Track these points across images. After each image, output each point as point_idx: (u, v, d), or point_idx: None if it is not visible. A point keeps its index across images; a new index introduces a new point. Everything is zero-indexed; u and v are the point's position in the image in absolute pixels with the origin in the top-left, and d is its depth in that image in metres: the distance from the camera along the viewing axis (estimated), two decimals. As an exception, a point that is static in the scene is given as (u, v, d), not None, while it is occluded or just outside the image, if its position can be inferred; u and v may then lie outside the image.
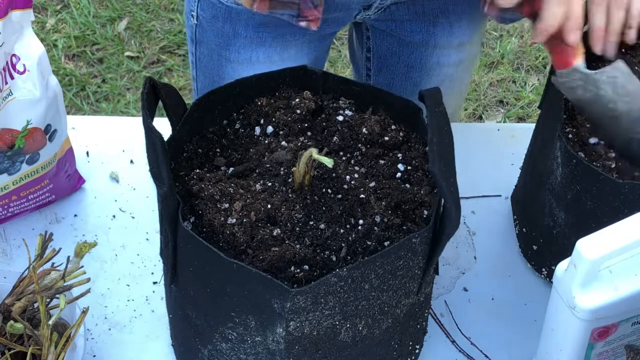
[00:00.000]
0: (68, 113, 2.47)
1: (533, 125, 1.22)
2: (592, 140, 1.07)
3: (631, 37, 1.10)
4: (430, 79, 1.41)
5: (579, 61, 1.07)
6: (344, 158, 1.03)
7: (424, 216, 0.96)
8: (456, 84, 1.47)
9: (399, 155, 1.03)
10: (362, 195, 0.98)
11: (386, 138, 1.04)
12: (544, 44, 1.09)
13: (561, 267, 0.96)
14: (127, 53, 2.68)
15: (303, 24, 1.22)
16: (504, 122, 2.55)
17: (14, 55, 1.10)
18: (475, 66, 1.47)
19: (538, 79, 2.67)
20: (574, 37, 1.05)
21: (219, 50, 1.34)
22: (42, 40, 2.65)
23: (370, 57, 1.43)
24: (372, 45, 1.41)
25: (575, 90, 1.08)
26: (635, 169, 1.05)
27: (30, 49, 1.11)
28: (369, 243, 0.94)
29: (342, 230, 0.94)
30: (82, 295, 1.01)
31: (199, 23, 1.33)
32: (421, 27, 1.35)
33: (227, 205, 0.95)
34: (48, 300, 0.99)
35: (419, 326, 1.05)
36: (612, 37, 1.09)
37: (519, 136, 1.34)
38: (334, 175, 0.99)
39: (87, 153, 1.31)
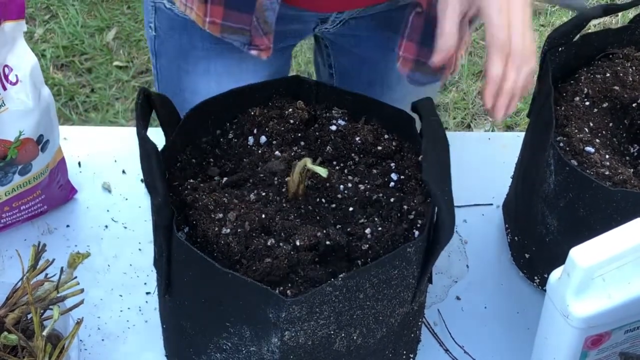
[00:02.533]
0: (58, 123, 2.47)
1: (523, 134, 1.23)
2: (587, 148, 1.07)
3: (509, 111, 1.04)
4: (393, 94, 1.39)
5: None
6: (337, 168, 1.04)
7: (418, 225, 0.97)
8: (421, 97, 1.45)
9: (392, 164, 1.04)
10: (355, 205, 0.99)
11: (379, 147, 1.04)
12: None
13: (554, 275, 0.97)
14: (115, 63, 2.67)
15: (254, 52, 1.20)
16: (492, 131, 2.56)
17: (6, 66, 1.10)
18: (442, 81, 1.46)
19: (526, 88, 2.67)
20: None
21: (177, 62, 1.32)
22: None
23: (332, 74, 1.43)
24: (332, 62, 1.41)
25: None
26: (626, 171, 1.05)
27: (22, 60, 1.11)
28: (363, 252, 0.94)
29: (336, 239, 0.94)
30: (75, 306, 1.01)
31: (157, 35, 1.32)
32: (381, 42, 1.33)
33: (221, 215, 0.95)
34: (42, 311, 0.99)
35: (412, 335, 1.05)
36: (503, 97, 1.02)
37: (510, 145, 1.35)
38: (327, 184, 1.00)
39: (79, 163, 1.31)
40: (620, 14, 2.59)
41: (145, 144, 0.92)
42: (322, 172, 0.94)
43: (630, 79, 1.16)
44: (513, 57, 1.00)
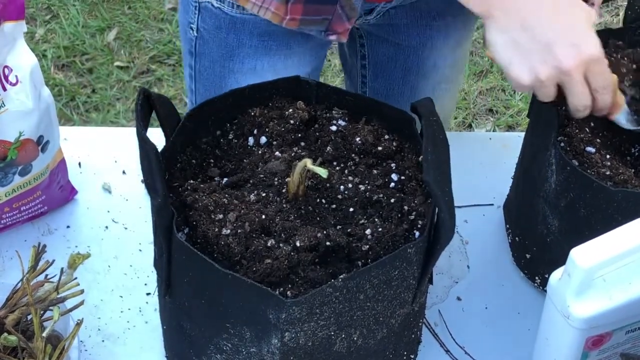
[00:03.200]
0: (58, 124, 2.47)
1: (524, 134, 1.22)
2: (588, 148, 1.07)
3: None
4: (427, 81, 1.41)
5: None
6: (337, 168, 1.03)
7: (419, 226, 0.97)
8: (451, 85, 1.47)
9: (393, 165, 1.04)
10: (356, 205, 0.99)
11: (379, 148, 1.04)
12: None
13: (555, 275, 0.97)
14: (116, 63, 2.67)
15: (333, 37, 1.22)
16: (493, 131, 2.56)
17: (6, 66, 1.10)
18: (465, 68, 1.48)
19: (527, 87, 2.67)
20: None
21: (221, 62, 1.33)
22: (31, 50, 2.65)
23: (365, 65, 1.43)
24: (367, 53, 1.41)
25: None
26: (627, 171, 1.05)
27: (22, 61, 1.11)
28: (363, 253, 0.94)
29: (337, 240, 0.94)
30: (76, 307, 1.01)
31: (199, 35, 1.32)
32: (418, 30, 1.35)
33: (221, 216, 0.95)
34: (42, 312, 0.99)
35: (413, 336, 1.05)
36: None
37: (511, 145, 1.35)
38: (328, 185, 1.00)
39: (80, 164, 1.31)
40: (620, 13, 2.59)
41: (145, 144, 0.92)
42: (322, 172, 0.94)
43: (630, 78, 1.15)
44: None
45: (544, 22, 0.99)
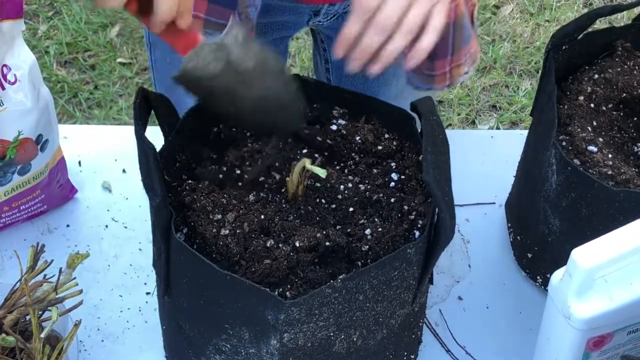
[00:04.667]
0: (60, 120, 2.47)
1: (526, 132, 1.22)
2: (590, 147, 1.06)
3: (374, 69, 1.01)
4: (389, 89, 1.39)
5: (200, 38, 0.97)
6: (337, 167, 1.03)
7: (419, 226, 0.96)
8: (416, 94, 1.45)
9: (393, 164, 1.03)
10: (356, 205, 0.98)
11: (379, 147, 1.03)
12: (162, 37, 0.98)
13: (556, 276, 0.96)
14: (119, 59, 2.67)
15: None
16: (496, 127, 2.55)
17: (4, 65, 1.09)
18: None
19: (531, 84, 2.67)
20: (185, 21, 0.95)
21: (172, 53, 1.32)
22: (33, 47, 2.65)
23: (329, 68, 1.42)
24: (329, 57, 1.40)
25: (208, 68, 0.96)
26: (629, 170, 1.05)
27: (21, 59, 1.11)
28: (363, 253, 0.93)
29: (336, 240, 0.94)
30: (74, 307, 1.00)
31: None
32: None
33: (219, 217, 0.94)
34: (40, 312, 0.99)
35: (413, 336, 1.04)
36: (360, 53, 1.00)
37: (513, 143, 1.34)
38: (327, 185, 0.99)
39: (79, 162, 1.31)
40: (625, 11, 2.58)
41: (143, 144, 0.91)
42: (321, 172, 0.93)
43: (634, 77, 1.15)
44: (376, 25, 0.97)
45: None
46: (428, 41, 0.99)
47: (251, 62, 0.96)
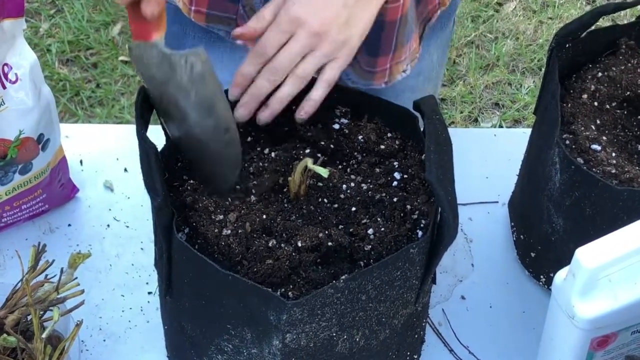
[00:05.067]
0: (62, 118, 2.47)
1: (529, 130, 1.21)
2: (593, 146, 1.06)
3: (262, 116, 1.02)
4: (388, 89, 1.38)
5: (158, 36, 0.96)
6: (339, 167, 1.02)
7: (421, 225, 0.96)
8: (418, 94, 1.44)
9: (395, 163, 1.02)
10: (358, 205, 0.98)
11: (382, 146, 1.03)
12: (126, 8, 0.96)
13: (560, 275, 0.96)
14: (121, 57, 2.67)
15: (240, 42, 1.19)
16: (499, 125, 2.55)
17: (5, 64, 1.09)
18: (440, 77, 1.44)
19: (534, 81, 2.66)
20: (150, 9, 0.93)
21: (173, 49, 1.31)
22: (35, 45, 2.65)
23: None
24: None
25: (150, 68, 0.96)
26: (633, 169, 1.04)
27: (22, 58, 1.10)
28: (365, 253, 0.93)
29: (339, 240, 0.93)
30: (76, 307, 1.00)
31: None
32: None
33: (221, 217, 0.94)
34: (42, 312, 0.98)
35: (416, 336, 1.04)
36: (249, 98, 1.02)
37: (516, 141, 1.33)
38: (330, 184, 0.99)
39: (81, 162, 1.30)
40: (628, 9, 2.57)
41: (144, 144, 0.91)
42: (323, 172, 0.93)
43: (638, 75, 1.14)
44: (268, 69, 1.01)
45: None
46: (318, 94, 1.02)
47: (193, 97, 0.95)
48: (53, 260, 1.01)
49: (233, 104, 1.02)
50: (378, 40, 1.12)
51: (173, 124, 0.99)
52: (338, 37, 1.01)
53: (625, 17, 2.74)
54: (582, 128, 1.08)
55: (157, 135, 0.97)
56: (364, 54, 1.12)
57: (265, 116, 1.02)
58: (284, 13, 1.01)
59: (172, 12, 1.25)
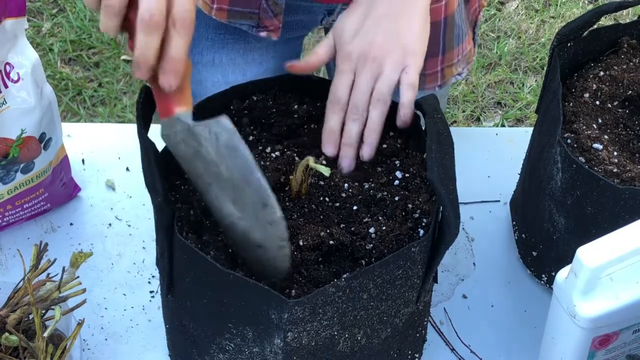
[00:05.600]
0: (64, 118, 2.47)
1: (531, 129, 1.21)
2: (595, 145, 1.06)
3: (365, 153, 1.01)
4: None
5: (182, 110, 0.88)
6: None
7: (423, 224, 0.96)
8: (435, 91, 1.45)
9: (397, 162, 1.02)
10: (360, 204, 0.98)
11: (384, 145, 1.03)
12: (150, 84, 0.89)
13: (561, 274, 0.95)
14: (123, 57, 2.67)
15: (263, 34, 1.19)
16: (501, 124, 2.55)
17: (7, 63, 1.09)
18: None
19: (536, 80, 2.66)
20: (166, 81, 0.85)
21: (199, 54, 1.32)
22: (38, 44, 2.65)
23: None
24: None
25: (178, 145, 0.89)
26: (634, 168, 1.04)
27: (24, 57, 1.10)
28: (367, 252, 0.93)
29: (340, 239, 0.93)
30: (77, 306, 1.00)
31: None
32: None
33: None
34: (43, 311, 0.98)
35: (418, 335, 1.04)
36: (346, 148, 1.01)
37: (518, 140, 1.33)
38: (331, 183, 0.99)
39: (83, 161, 1.30)
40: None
41: (145, 143, 0.91)
42: (325, 170, 0.93)
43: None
44: (350, 111, 1.00)
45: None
46: (407, 97, 1.00)
47: (224, 172, 0.87)
48: (55, 259, 1.01)
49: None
50: None
51: (213, 204, 0.91)
52: (396, 51, 1.00)
53: (627, 16, 2.74)
54: (584, 127, 1.08)
55: (157, 134, 0.97)
56: None
57: (368, 153, 1.01)
58: (339, 57, 1.02)
59: None
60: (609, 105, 1.13)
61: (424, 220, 0.96)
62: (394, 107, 1.04)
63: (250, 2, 1.18)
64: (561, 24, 2.75)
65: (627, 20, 1.21)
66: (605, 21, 2.45)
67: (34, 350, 0.94)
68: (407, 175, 1.01)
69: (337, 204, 0.98)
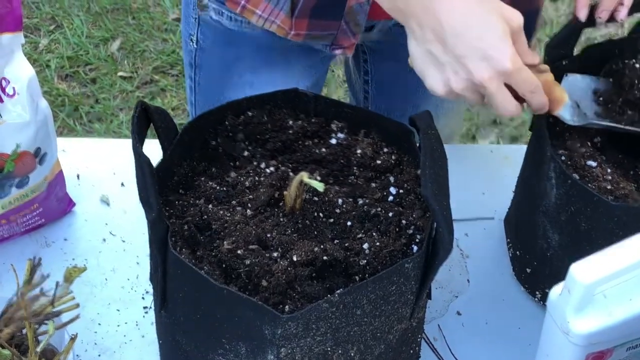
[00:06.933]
0: (60, 134, 2.47)
1: (526, 147, 1.21)
2: (589, 162, 1.06)
3: (622, 14, 1.08)
4: (429, 100, 1.40)
5: (559, 109, 1.03)
6: (335, 181, 1.02)
7: (417, 240, 0.96)
8: (455, 104, 1.46)
9: (391, 178, 1.03)
10: (354, 219, 0.98)
11: (378, 161, 1.03)
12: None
13: (555, 291, 0.95)
14: (120, 73, 2.67)
15: (338, 51, 1.21)
16: (497, 142, 2.55)
17: (3, 78, 1.09)
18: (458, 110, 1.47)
19: (531, 99, 2.66)
20: (537, 104, 1.00)
21: (220, 74, 1.33)
22: (35, 60, 2.66)
23: (368, 80, 1.42)
24: (370, 69, 1.40)
25: None
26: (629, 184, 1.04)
27: (20, 72, 1.11)
28: (360, 268, 0.93)
29: (334, 254, 0.93)
30: (71, 321, 1.00)
31: (199, 47, 1.32)
32: None
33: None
34: (37, 326, 0.98)
35: (411, 351, 1.04)
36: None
37: (512, 158, 1.34)
38: (325, 199, 0.99)
39: (78, 176, 1.30)
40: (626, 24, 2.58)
41: (139, 158, 0.91)
42: (319, 186, 0.93)
43: (634, 91, 1.14)
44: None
45: (456, 32, 0.94)
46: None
47: None
48: (49, 274, 1.01)
49: None
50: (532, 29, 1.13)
51: None
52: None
53: (624, 26, 2.75)
54: (578, 145, 1.09)
55: (152, 149, 0.98)
56: None
57: (624, 14, 1.09)
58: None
59: (226, 37, 1.26)
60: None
61: (418, 236, 0.96)
62: (387, 122, 1.05)
63: (329, 25, 1.19)
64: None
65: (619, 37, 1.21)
66: (600, 39, 2.45)
67: (27, 365, 0.94)
68: (401, 191, 1.01)
69: (331, 220, 0.98)
